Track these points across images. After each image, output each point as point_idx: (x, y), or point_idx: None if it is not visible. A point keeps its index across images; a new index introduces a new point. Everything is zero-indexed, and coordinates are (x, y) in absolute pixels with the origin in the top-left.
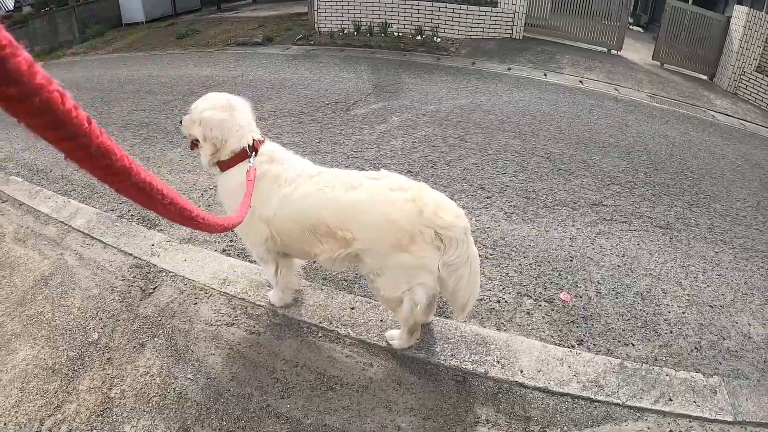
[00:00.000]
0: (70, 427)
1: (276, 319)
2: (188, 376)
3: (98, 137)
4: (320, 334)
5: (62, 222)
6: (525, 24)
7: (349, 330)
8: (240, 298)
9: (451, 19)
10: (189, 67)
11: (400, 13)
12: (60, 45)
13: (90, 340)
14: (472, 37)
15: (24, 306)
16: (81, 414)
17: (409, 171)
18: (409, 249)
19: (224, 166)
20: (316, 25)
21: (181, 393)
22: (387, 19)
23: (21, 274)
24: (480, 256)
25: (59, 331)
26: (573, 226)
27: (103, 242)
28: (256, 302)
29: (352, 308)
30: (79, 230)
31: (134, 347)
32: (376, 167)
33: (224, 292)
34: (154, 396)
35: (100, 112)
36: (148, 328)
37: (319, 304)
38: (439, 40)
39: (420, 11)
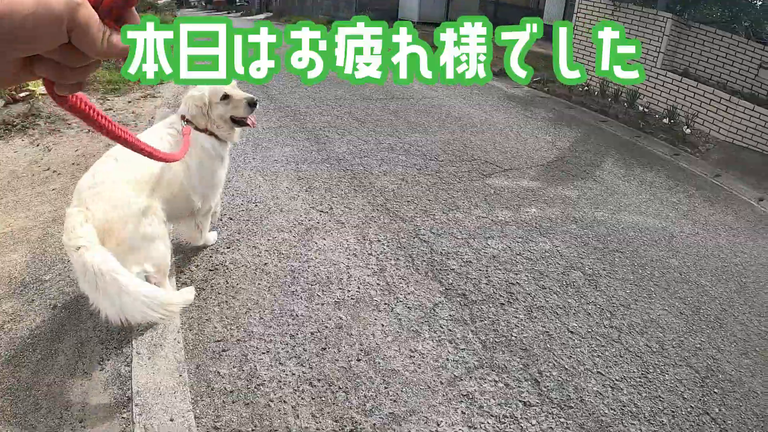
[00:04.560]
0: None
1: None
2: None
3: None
4: None
5: None
6: None
7: None
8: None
9: (714, 110)
10: None
11: (656, 86)
12: (337, 19)
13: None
14: (735, 141)
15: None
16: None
17: (463, 295)
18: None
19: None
20: None
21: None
22: (640, 88)
23: None
24: None
25: None
26: None
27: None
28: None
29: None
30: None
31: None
32: (440, 271)
33: None
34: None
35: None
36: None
37: None
38: (689, 131)
39: (680, 90)
